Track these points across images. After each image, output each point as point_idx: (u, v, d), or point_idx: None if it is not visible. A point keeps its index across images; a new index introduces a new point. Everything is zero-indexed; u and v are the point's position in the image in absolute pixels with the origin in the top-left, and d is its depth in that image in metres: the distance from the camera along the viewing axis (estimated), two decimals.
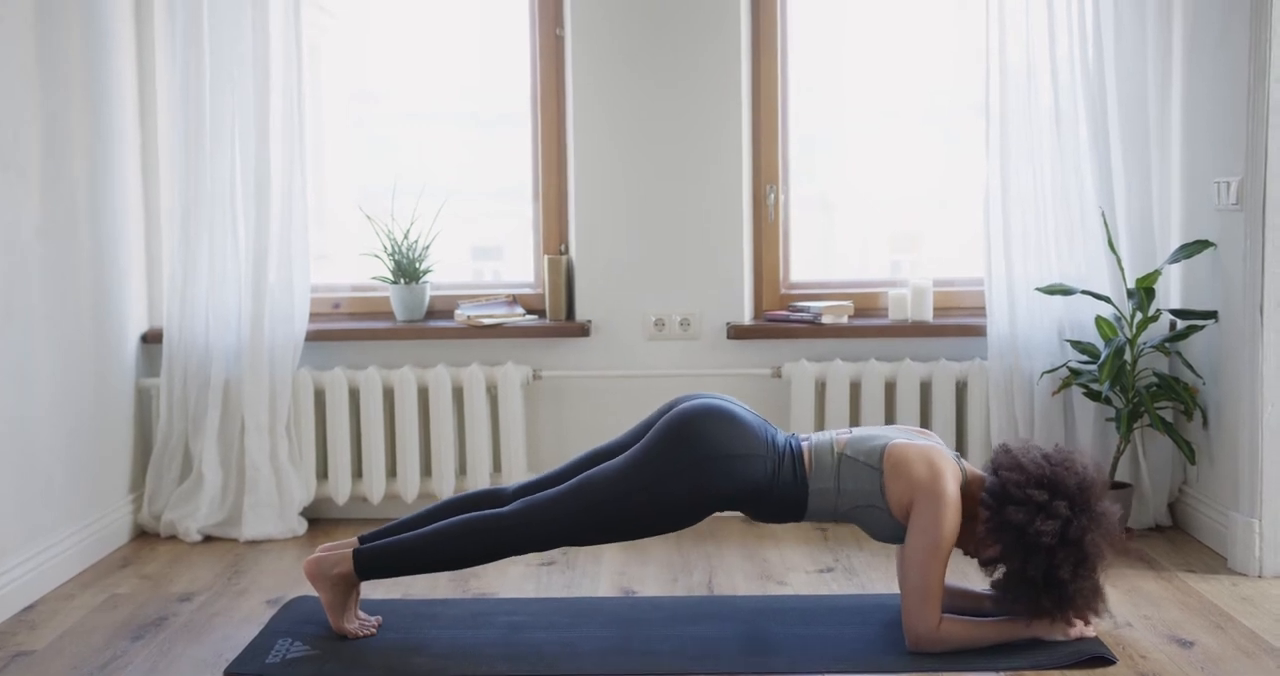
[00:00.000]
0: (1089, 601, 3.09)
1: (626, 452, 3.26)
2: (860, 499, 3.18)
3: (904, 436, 3.25)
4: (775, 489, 3.19)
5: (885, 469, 3.16)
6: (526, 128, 4.67)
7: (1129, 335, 4.13)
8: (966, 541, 3.20)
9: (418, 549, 3.27)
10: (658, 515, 3.20)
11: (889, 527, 3.20)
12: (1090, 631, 3.18)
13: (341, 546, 3.35)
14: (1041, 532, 3.02)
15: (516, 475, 4.42)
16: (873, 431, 3.29)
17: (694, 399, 3.31)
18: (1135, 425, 4.17)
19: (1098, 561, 3.07)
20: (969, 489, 3.18)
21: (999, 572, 3.15)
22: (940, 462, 3.15)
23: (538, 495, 3.27)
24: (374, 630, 3.33)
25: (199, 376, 4.36)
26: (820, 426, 4.45)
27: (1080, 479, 3.08)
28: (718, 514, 4.23)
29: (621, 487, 3.19)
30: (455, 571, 3.34)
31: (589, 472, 3.26)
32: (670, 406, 3.33)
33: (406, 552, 3.27)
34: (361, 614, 3.39)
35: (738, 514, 4.50)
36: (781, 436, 3.29)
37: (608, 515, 3.20)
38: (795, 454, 3.23)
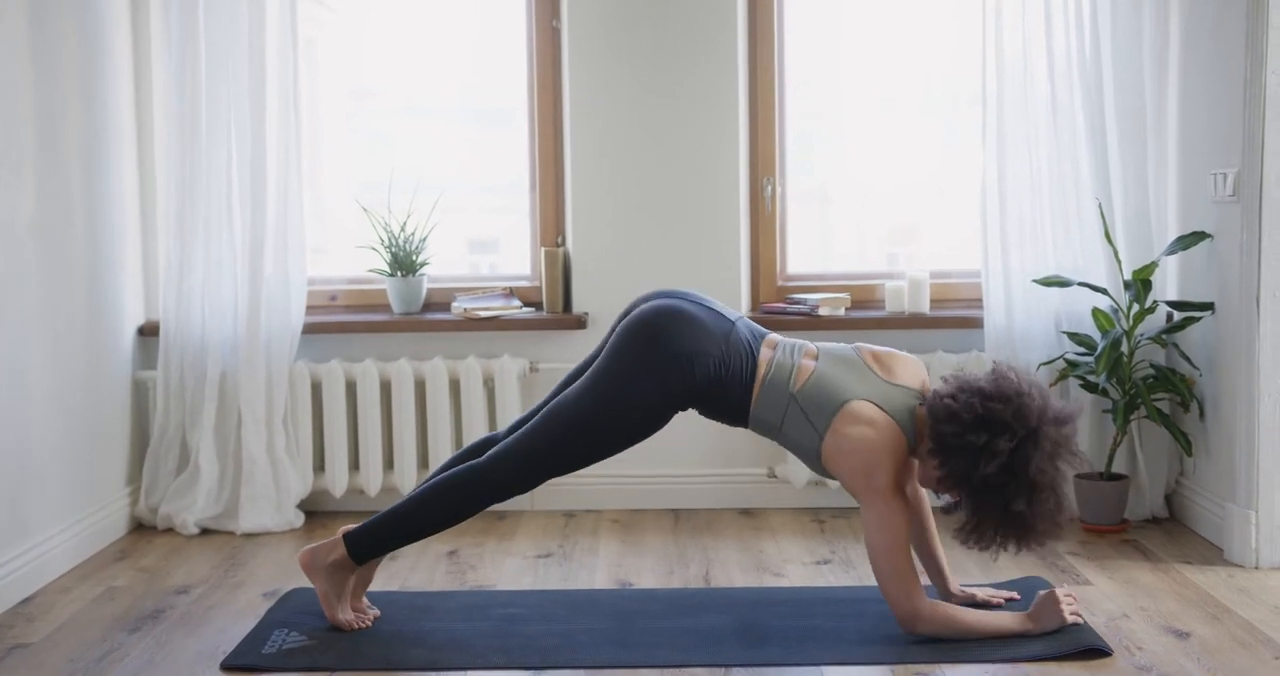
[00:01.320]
0: (1051, 522, 3.06)
1: (586, 373, 3.24)
2: (798, 448, 3.20)
3: (864, 387, 3.14)
4: (719, 392, 3.18)
5: (827, 440, 3.11)
6: (523, 120, 4.67)
7: (1126, 327, 4.13)
8: (929, 482, 3.17)
9: (404, 515, 3.26)
10: (624, 424, 3.19)
11: (817, 467, 3.21)
12: (1078, 619, 3.17)
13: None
14: (987, 474, 3.00)
15: None
16: (835, 375, 3.15)
17: (648, 300, 3.28)
18: (1132, 417, 4.18)
19: (1049, 482, 3.03)
20: (925, 432, 3.13)
21: (963, 515, 3.13)
22: (880, 446, 3.08)
23: (509, 437, 3.27)
24: (369, 623, 3.32)
25: (195, 369, 4.36)
26: None
27: (1015, 407, 3.01)
28: (716, 509, 4.22)
29: (588, 408, 3.17)
30: (446, 530, 3.28)
31: (554, 402, 3.24)
32: (628, 311, 3.30)
33: (395, 522, 3.27)
34: (366, 601, 3.39)
35: (736, 510, 4.52)
36: (741, 333, 3.22)
37: (580, 437, 3.19)
38: (749, 359, 3.19)
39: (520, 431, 3.26)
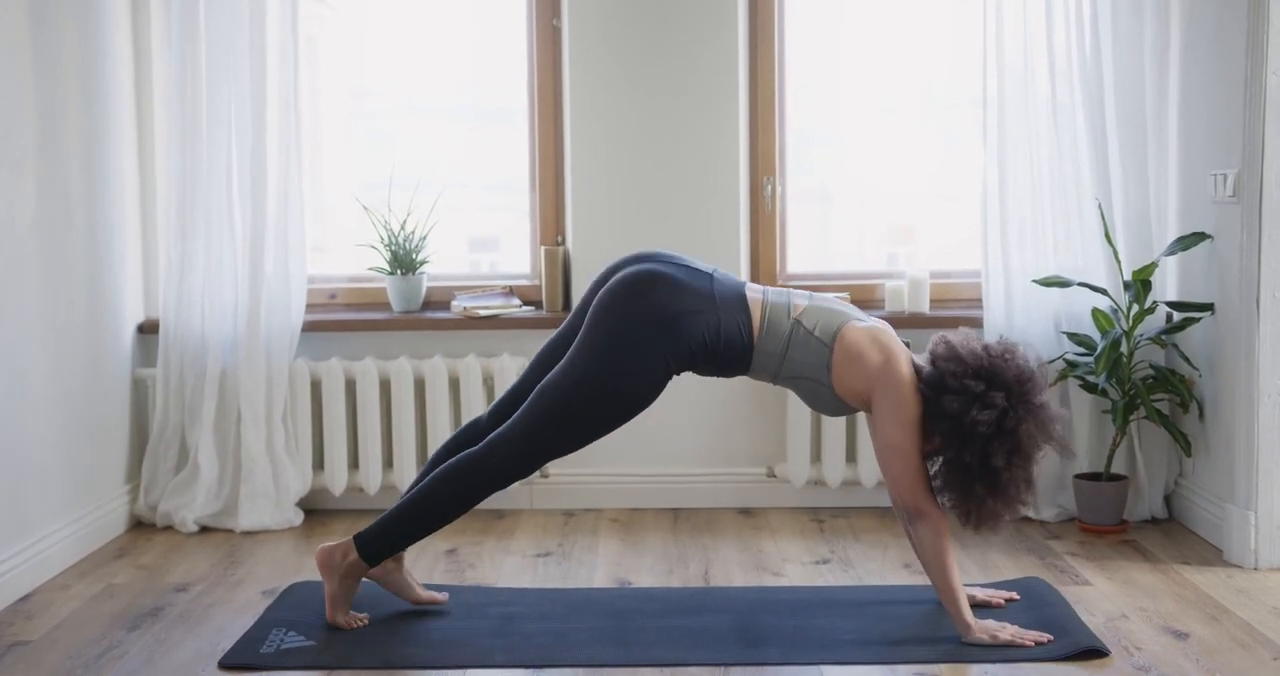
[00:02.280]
0: (1019, 491, 3.10)
1: (571, 348, 3.21)
2: (804, 370, 3.19)
3: (858, 315, 3.24)
4: (719, 345, 3.16)
5: (836, 349, 3.15)
6: (523, 119, 4.67)
7: (1125, 327, 4.13)
8: None
9: (410, 512, 3.25)
10: (623, 399, 3.15)
11: (827, 401, 3.23)
12: (1005, 636, 3.12)
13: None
14: (978, 422, 3.03)
15: None
16: (830, 303, 3.25)
17: (621, 267, 3.26)
18: (1131, 417, 4.18)
19: (1032, 451, 3.09)
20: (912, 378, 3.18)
21: (937, 466, 3.17)
22: (893, 345, 3.17)
23: (506, 423, 3.24)
24: (364, 622, 3.32)
25: (195, 367, 4.36)
26: (817, 425, 4.45)
27: (1019, 371, 3.09)
28: (715, 509, 4.23)
29: (581, 386, 3.14)
30: (455, 521, 3.27)
31: (544, 383, 3.20)
32: (603, 280, 3.28)
33: (402, 520, 3.26)
34: (433, 592, 3.45)
35: (735, 509, 4.52)
36: (723, 283, 3.22)
37: (577, 417, 3.16)
38: (739, 307, 3.18)
39: (516, 415, 3.23)
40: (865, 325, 3.22)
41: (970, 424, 3.04)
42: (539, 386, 3.21)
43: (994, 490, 3.08)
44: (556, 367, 3.21)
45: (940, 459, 3.16)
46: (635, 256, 3.30)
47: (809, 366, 3.18)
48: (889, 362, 3.15)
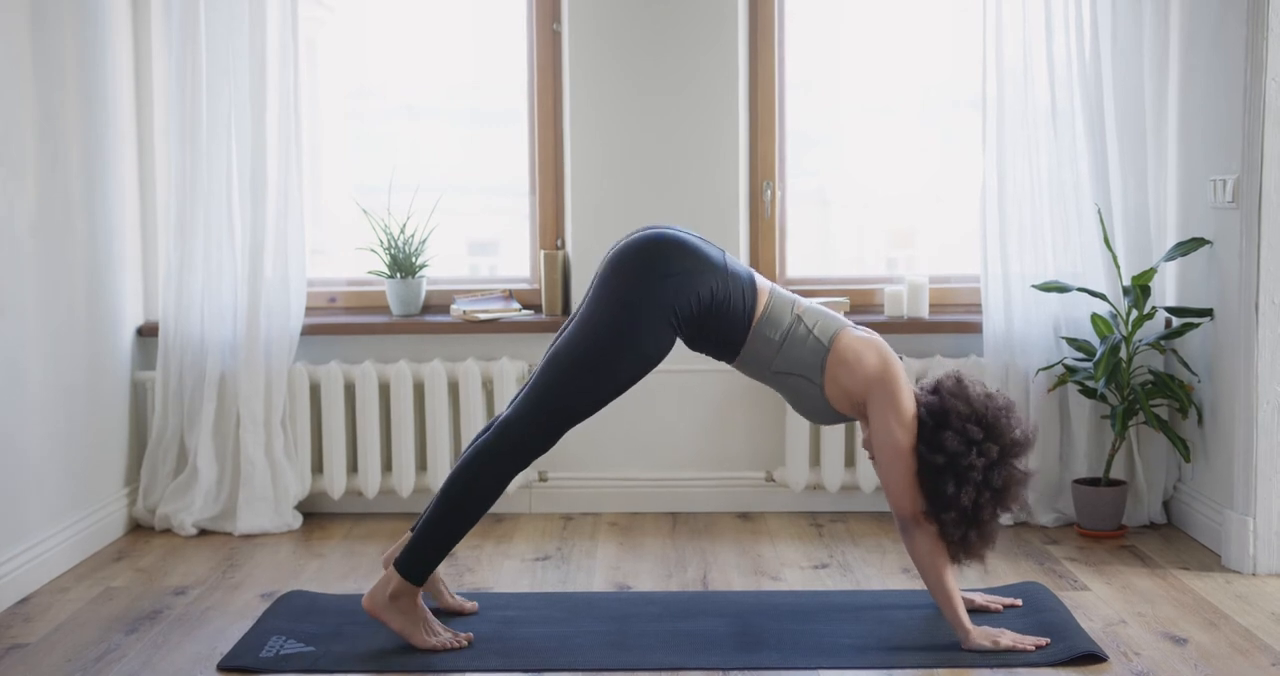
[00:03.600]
0: (985, 541, 3.14)
1: (581, 310, 3.21)
2: (796, 367, 3.19)
3: (854, 326, 3.26)
4: (724, 308, 3.16)
5: (833, 349, 3.17)
6: (523, 122, 4.67)
7: (1124, 332, 4.14)
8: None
9: (439, 518, 3.19)
10: (634, 353, 3.13)
11: (814, 404, 3.23)
12: (1005, 642, 3.13)
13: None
14: (972, 466, 3.08)
15: None
16: (827, 310, 3.27)
17: (628, 238, 3.25)
18: (1130, 422, 4.18)
19: (1001, 510, 3.14)
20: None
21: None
22: (891, 355, 3.20)
23: (514, 402, 3.23)
24: (465, 642, 3.21)
25: (194, 370, 4.36)
26: (816, 429, 4.45)
27: (1016, 434, 3.13)
28: (714, 513, 4.23)
29: (591, 340, 3.13)
30: (486, 513, 3.22)
31: (554, 350, 3.20)
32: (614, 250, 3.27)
33: (432, 529, 3.19)
34: (458, 597, 3.47)
35: (734, 513, 4.51)
36: (734, 262, 3.24)
37: (588, 372, 3.13)
38: (748, 286, 3.20)
39: (525, 389, 3.21)
40: (862, 334, 3.24)
41: (965, 467, 3.08)
42: (550, 353, 3.20)
43: (967, 531, 3.13)
44: (568, 333, 3.20)
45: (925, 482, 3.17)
46: (648, 226, 3.30)
47: (803, 363, 3.19)
48: (889, 368, 3.17)
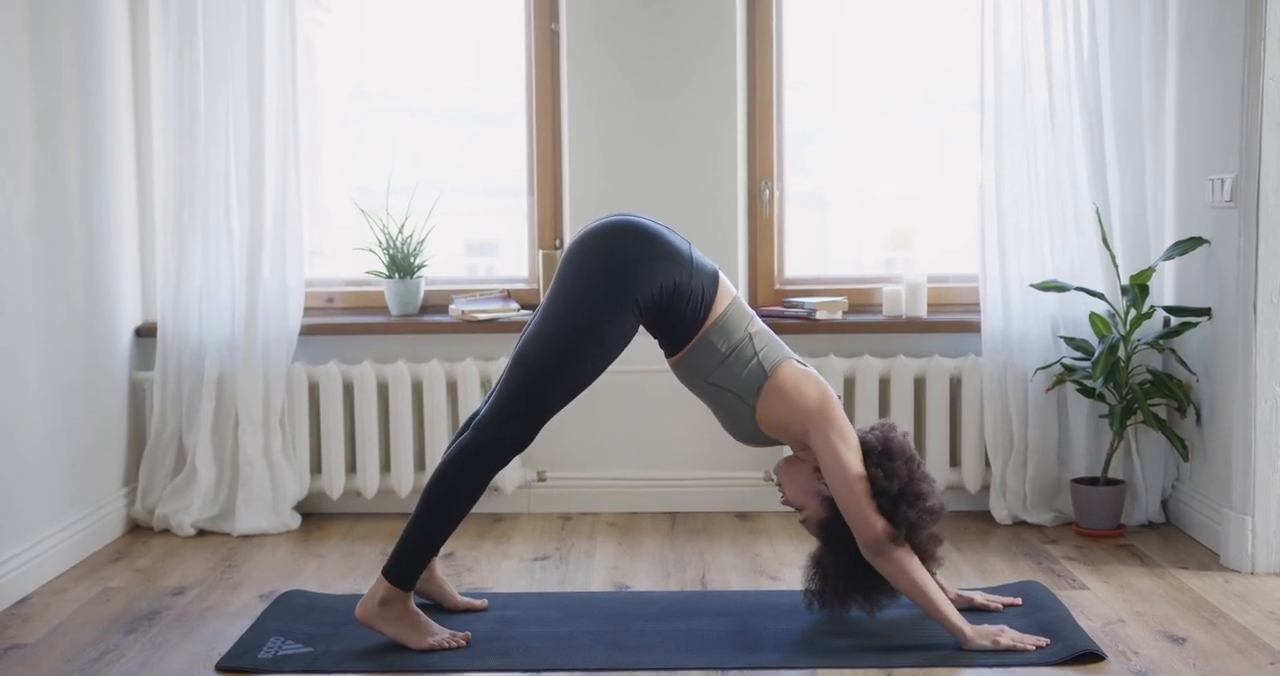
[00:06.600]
0: (926, 513, 3.17)
1: (543, 304, 3.21)
2: (733, 385, 3.20)
3: (801, 360, 3.28)
4: (684, 299, 3.16)
5: (773, 377, 3.18)
6: (521, 123, 4.67)
7: (1123, 332, 4.14)
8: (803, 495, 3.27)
9: (423, 519, 3.18)
10: (601, 338, 3.13)
11: (741, 422, 3.24)
12: (1005, 641, 3.13)
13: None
14: (921, 495, 3.17)
15: (509, 470, 4.43)
16: (777, 338, 3.29)
17: (591, 225, 3.26)
18: (1129, 422, 4.18)
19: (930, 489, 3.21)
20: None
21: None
22: (830, 391, 3.22)
23: (487, 399, 3.24)
24: (463, 642, 3.20)
25: (193, 370, 4.36)
26: None
27: (935, 497, 3.21)
28: (712, 512, 4.23)
29: (558, 324, 3.14)
30: (470, 511, 3.21)
31: (520, 344, 3.21)
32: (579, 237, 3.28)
33: (417, 530, 3.18)
34: (468, 599, 3.47)
35: (732, 513, 4.51)
36: (699, 257, 3.24)
37: (558, 356, 3.13)
38: (709, 284, 3.20)
39: (498, 385, 3.22)
40: (806, 369, 3.25)
41: (912, 497, 3.14)
42: (517, 348, 3.21)
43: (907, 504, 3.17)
44: (531, 325, 3.22)
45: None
46: (610, 214, 3.31)
47: (740, 383, 3.20)
48: (827, 399, 3.19)
